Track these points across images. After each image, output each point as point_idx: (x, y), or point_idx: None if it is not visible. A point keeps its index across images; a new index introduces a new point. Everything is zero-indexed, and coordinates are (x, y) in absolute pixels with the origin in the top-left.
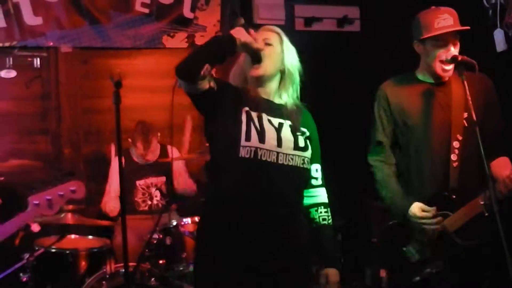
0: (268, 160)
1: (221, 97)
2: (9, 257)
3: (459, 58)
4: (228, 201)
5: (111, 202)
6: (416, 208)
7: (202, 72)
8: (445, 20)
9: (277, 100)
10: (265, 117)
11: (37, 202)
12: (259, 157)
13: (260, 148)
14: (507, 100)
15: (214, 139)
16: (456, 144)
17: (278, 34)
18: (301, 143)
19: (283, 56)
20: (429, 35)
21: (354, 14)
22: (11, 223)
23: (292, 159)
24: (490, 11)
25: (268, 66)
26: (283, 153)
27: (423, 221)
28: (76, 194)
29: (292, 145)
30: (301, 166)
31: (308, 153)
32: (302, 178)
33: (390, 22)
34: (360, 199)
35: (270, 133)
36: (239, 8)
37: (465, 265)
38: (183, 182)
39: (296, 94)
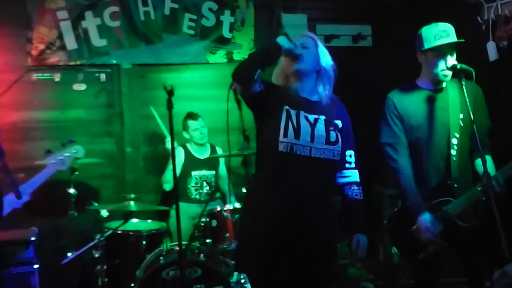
0: (303, 154)
1: (267, 98)
2: (84, 237)
3: (458, 67)
4: (268, 189)
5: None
6: (427, 219)
7: (255, 76)
8: (443, 34)
9: (314, 98)
10: (302, 114)
11: (53, 161)
12: (294, 151)
13: (296, 144)
14: (497, 102)
15: (260, 135)
16: (454, 141)
17: (313, 39)
18: (333, 137)
19: (318, 57)
20: (430, 46)
21: (366, 32)
22: (38, 177)
23: (323, 152)
24: (484, 26)
25: (306, 63)
26: (316, 148)
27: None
28: (78, 154)
29: (324, 140)
30: (332, 158)
31: (338, 147)
32: (333, 168)
33: (398, 38)
34: (372, 188)
35: (305, 130)
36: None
37: (465, 243)
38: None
39: (331, 89)
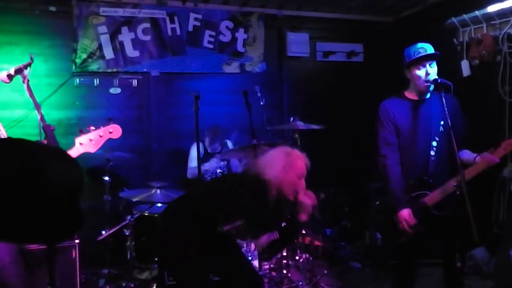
0: None
1: None
2: (117, 218)
3: (439, 80)
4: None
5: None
6: (406, 213)
7: None
8: (422, 50)
9: None
10: None
11: (82, 142)
12: None
13: None
14: (469, 110)
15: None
16: (434, 143)
17: None
18: None
19: None
20: (411, 59)
21: (359, 49)
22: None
23: None
24: (459, 47)
25: None
26: None
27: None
28: (113, 134)
29: None
30: None
31: None
32: None
33: (385, 55)
34: (360, 182)
35: None
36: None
37: (439, 229)
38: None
39: None
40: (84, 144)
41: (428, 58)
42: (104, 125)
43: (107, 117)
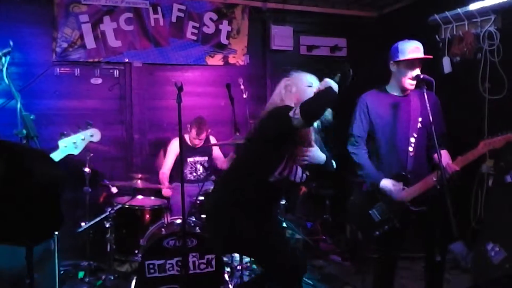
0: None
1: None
2: (97, 210)
3: (421, 76)
4: (256, 206)
5: (165, 174)
6: (387, 181)
7: None
8: (416, 50)
9: None
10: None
11: (65, 145)
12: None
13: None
14: (449, 107)
15: (261, 159)
16: (412, 139)
17: None
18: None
19: None
20: (404, 58)
21: (342, 44)
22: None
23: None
24: (441, 44)
25: None
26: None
27: (393, 192)
28: (93, 137)
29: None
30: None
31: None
32: None
33: (368, 50)
34: (343, 176)
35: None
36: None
37: (415, 224)
38: (221, 162)
39: None
40: (67, 147)
41: (422, 60)
42: (84, 129)
43: (86, 119)
